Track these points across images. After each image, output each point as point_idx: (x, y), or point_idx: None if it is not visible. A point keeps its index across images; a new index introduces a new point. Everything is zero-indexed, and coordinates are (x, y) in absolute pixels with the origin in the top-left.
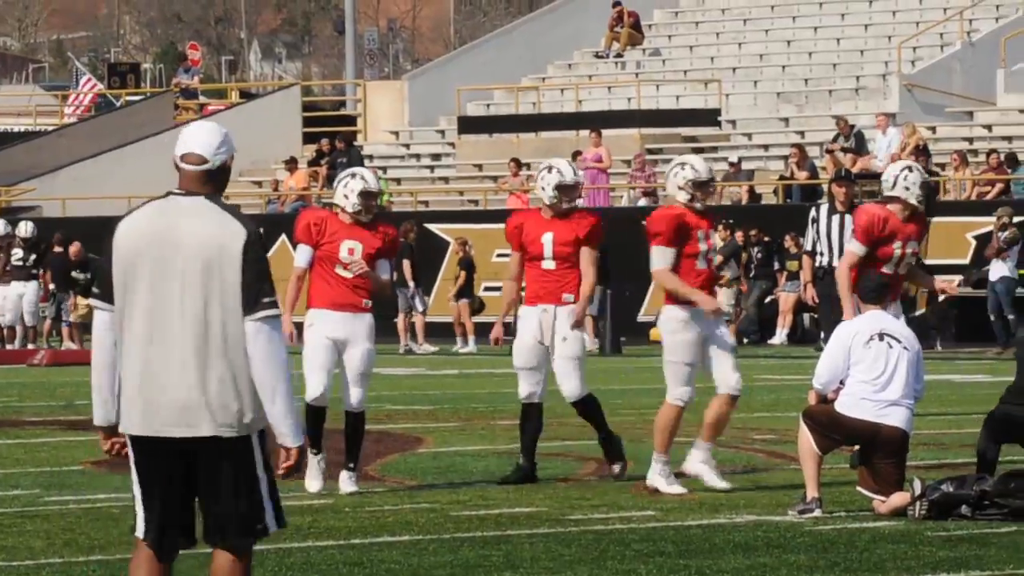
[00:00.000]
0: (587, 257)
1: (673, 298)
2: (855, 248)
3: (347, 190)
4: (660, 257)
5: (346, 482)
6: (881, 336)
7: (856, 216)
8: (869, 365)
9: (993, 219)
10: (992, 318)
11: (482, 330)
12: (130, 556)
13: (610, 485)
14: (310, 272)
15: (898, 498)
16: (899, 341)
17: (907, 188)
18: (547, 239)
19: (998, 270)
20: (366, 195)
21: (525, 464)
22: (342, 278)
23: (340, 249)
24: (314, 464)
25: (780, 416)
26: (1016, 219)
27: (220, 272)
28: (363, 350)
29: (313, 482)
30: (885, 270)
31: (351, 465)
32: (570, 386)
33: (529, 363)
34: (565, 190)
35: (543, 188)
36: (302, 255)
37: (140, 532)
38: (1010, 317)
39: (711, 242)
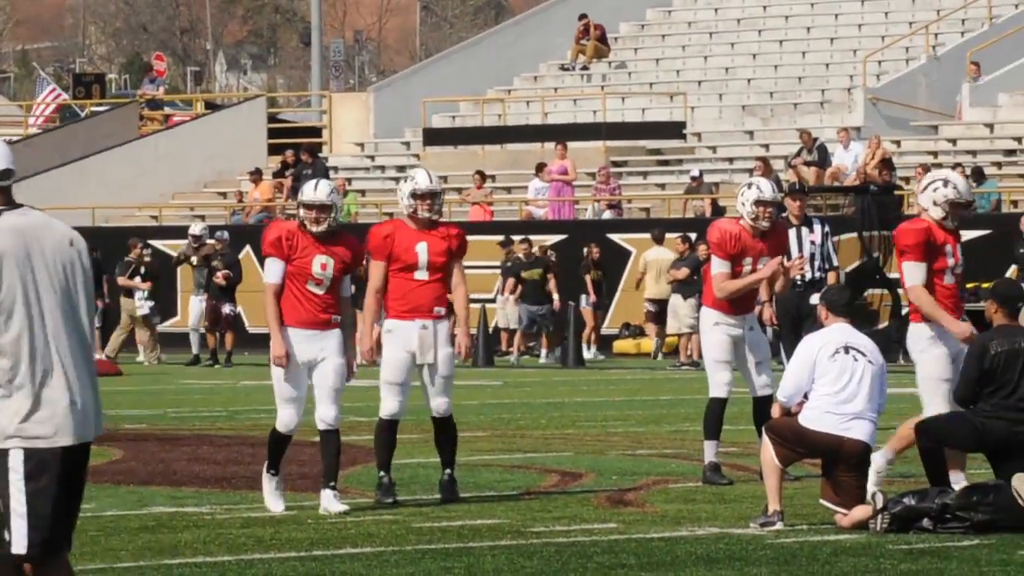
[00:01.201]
0: (460, 271)
1: (920, 315)
2: (717, 264)
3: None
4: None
5: (332, 501)
6: (847, 349)
7: (709, 232)
8: (834, 378)
9: None
10: None
11: None
12: (93, 566)
13: (572, 497)
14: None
15: (860, 511)
16: (864, 354)
17: (743, 204)
18: (421, 249)
19: None
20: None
21: (389, 479)
22: (313, 295)
23: (313, 264)
24: (271, 486)
25: (742, 429)
26: (978, 233)
27: None
28: (335, 364)
29: (275, 503)
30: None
31: (332, 484)
32: (446, 404)
33: (400, 378)
34: (423, 198)
35: (401, 198)
36: (275, 270)
37: None
38: None
39: (958, 257)
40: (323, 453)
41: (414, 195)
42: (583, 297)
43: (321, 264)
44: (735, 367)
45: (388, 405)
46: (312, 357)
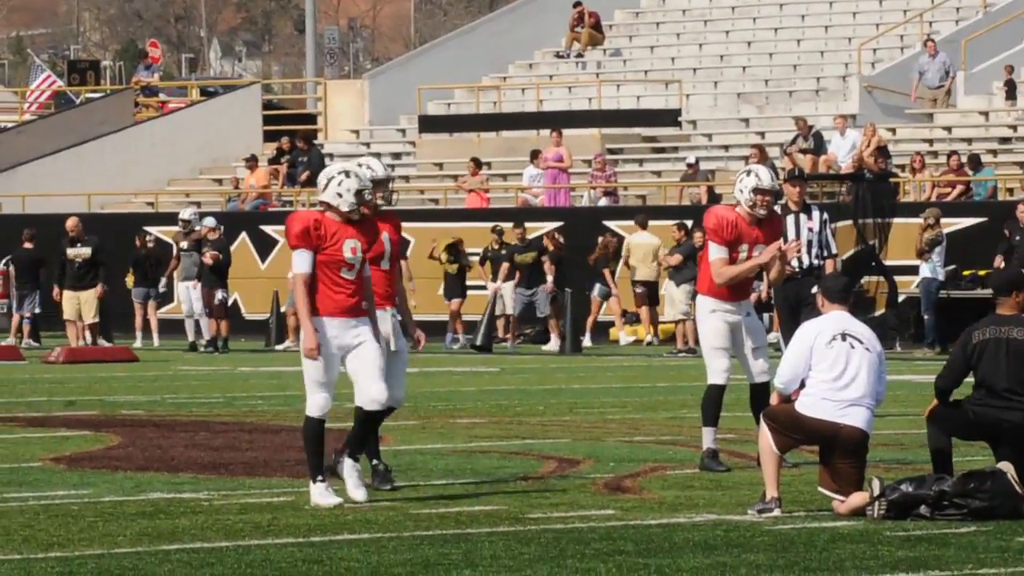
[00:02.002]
0: (405, 262)
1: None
2: (715, 251)
3: (341, 188)
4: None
5: (355, 485)
6: (844, 336)
7: (705, 218)
8: (830, 364)
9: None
10: (925, 318)
11: (437, 328)
12: (90, 552)
13: (570, 483)
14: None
15: (857, 498)
16: (861, 342)
17: (740, 191)
18: (386, 239)
19: (920, 271)
20: (359, 194)
21: (384, 465)
22: (346, 281)
23: (344, 250)
24: (327, 488)
25: (740, 416)
26: (973, 220)
27: None
28: (373, 346)
29: (357, 491)
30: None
31: (374, 461)
32: (401, 393)
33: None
34: (379, 185)
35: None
36: (305, 261)
37: None
38: (925, 317)
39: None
40: (366, 430)
41: (359, 193)
42: (596, 286)
43: (351, 248)
44: (732, 354)
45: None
46: (348, 343)
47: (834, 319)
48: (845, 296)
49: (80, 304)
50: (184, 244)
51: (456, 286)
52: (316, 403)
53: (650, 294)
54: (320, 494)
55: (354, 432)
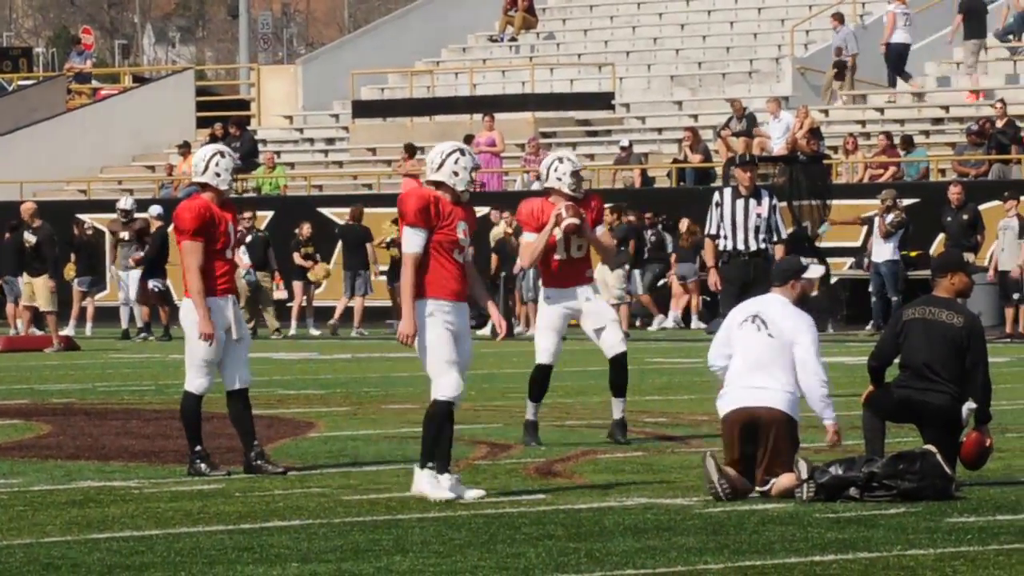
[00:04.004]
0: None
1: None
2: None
3: (457, 167)
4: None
5: (461, 487)
6: (753, 318)
7: (518, 212)
8: (741, 348)
9: (878, 202)
10: (874, 299)
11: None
12: (19, 541)
13: (500, 468)
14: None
15: (786, 480)
16: (766, 325)
17: (559, 179)
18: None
19: (884, 252)
20: (472, 173)
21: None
22: (457, 263)
23: (457, 231)
24: (445, 482)
25: (671, 399)
26: (906, 201)
27: None
28: (470, 342)
29: (472, 491)
30: (556, 256)
31: (444, 468)
32: (249, 375)
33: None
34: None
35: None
36: (419, 240)
37: None
38: (893, 299)
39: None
40: (442, 432)
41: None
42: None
43: (463, 230)
44: (564, 336)
45: (202, 383)
46: (462, 328)
47: (757, 301)
48: (782, 278)
49: (33, 290)
50: (124, 235)
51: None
52: (451, 384)
53: None
54: (428, 483)
55: (424, 430)
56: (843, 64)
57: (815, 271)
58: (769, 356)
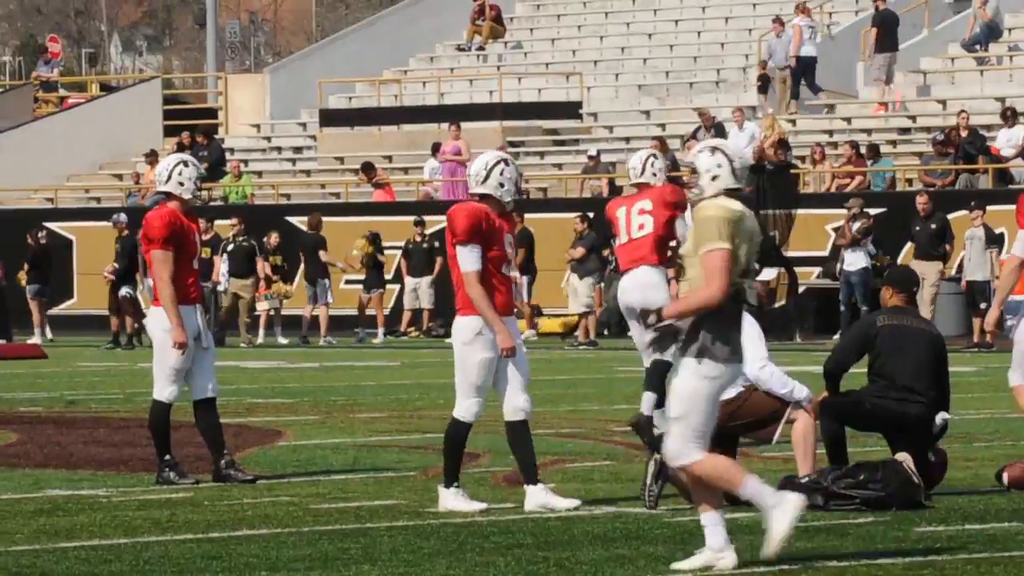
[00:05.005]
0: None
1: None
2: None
3: (503, 178)
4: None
5: (549, 496)
6: None
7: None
8: None
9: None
10: (843, 308)
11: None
12: None
13: (469, 477)
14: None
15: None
16: None
17: (502, 185)
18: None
19: (855, 261)
20: (517, 184)
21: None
22: (506, 277)
23: (506, 245)
24: (460, 496)
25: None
26: (873, 211)
27: None
28: (523, 353)
29: (473, 504)
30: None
31: (536, 479)
32: (216, 383)
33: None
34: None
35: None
36: (476, 257)
37: None
38: (863, 308)
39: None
40: (521, 445)
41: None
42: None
43: (510, 243)
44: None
45: (170, 392)
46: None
47: None
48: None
49: None
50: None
51: (375, 278)
52: (471, 408)
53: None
54: (455, 499)
55: (445, 448)
56: (767, 78)
57: (767, 274)
58: None
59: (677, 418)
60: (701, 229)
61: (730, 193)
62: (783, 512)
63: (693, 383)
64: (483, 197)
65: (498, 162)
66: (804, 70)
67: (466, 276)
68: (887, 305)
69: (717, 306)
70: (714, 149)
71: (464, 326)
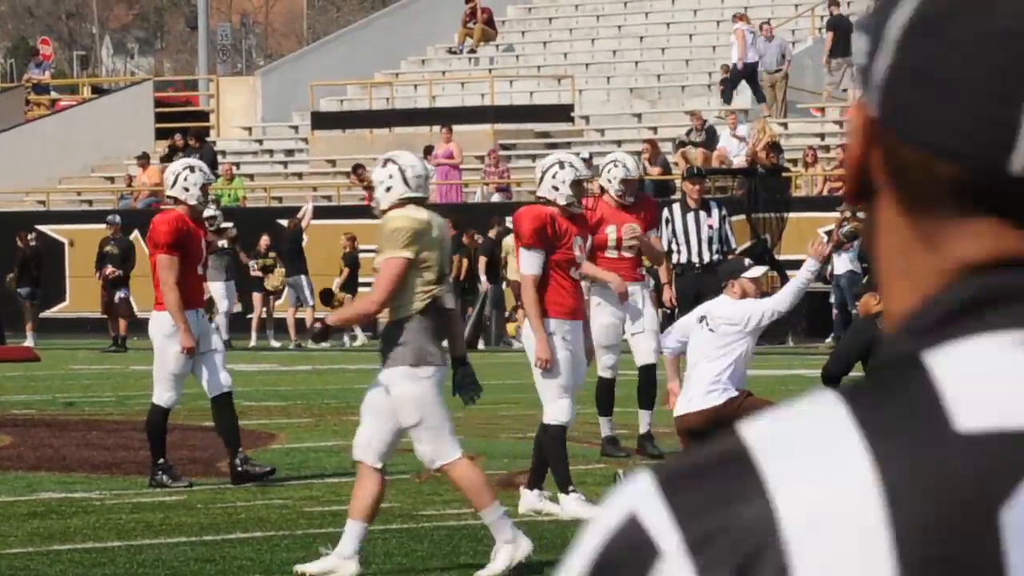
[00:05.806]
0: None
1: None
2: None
3: (556, 180)
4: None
5: (576, 504)
6: (701, 319)
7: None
8: (692, 350)
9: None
10: (835, 311)
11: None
12: None
13: None
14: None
15: None
16: (709, 323)
17: (556, 188)
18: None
19: (842, 264)
20: (577, 185)
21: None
22: (574, 281)
23: (575, 248)
24: (577, 501)
25: (631, 411)
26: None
27: None
28: (585, 360)
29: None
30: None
31: (572, 488)
32: (230, 378)
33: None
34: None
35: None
36: (538, 262)
37: None
38: (853, 311)
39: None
40: (559, 454)
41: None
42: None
43: (580, 246)
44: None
45: (165, 396)
46: (579, 348)
47: (706, 305)
48: (724, 279)
49: None
50: (223, 243)
51: (352, 283)
52: (563, 409)
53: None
54: (577, 505)
55: (549, 458)
56: (729, 81)
57: (756, 271)
58: (705, 351)
59: (417, 425)
60: (385, 238)
61: (419, 202)
62: (506, 553)
63: (414, 388)
64: (548, 201)
65: (552, 165)
66: (750, 75)
67: (524, 279)
68: (871, 312)
69: (376, 314)
70: (387, 161)
71: (528, 334)
